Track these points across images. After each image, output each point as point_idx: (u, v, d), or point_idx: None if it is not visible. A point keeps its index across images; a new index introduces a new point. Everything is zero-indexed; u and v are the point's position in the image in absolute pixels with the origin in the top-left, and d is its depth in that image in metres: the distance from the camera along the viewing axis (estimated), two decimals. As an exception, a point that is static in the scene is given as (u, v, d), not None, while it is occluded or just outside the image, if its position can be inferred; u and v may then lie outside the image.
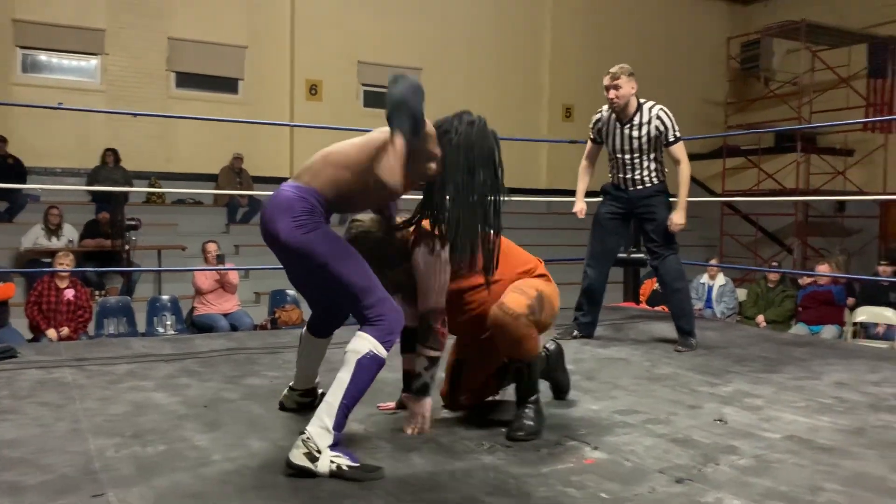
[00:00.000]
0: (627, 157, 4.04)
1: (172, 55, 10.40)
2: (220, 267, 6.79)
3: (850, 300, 7.09)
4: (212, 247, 6.90)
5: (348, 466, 2.01)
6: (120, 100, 9.53)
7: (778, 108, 12.29)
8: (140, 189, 9.65)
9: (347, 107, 11.35)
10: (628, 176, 4.07)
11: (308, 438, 2.03)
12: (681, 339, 4.03)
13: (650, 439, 2.40)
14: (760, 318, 7.27)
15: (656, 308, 7.67)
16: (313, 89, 11.30)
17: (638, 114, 3.99)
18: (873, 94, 11.26)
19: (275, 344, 4.08)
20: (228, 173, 10.28)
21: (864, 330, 6.72)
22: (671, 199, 4.14)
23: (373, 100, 11.95)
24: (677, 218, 4.02)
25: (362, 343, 2.11)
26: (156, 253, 8.53)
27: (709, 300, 7.85)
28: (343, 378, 2.08)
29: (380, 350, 2.10)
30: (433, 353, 2.41)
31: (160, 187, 9.58)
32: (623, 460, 2.20)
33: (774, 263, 9.36)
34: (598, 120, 4.15)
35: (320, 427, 2.04)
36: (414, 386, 2.45)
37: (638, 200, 4.07)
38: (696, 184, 13.53)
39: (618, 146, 4.05)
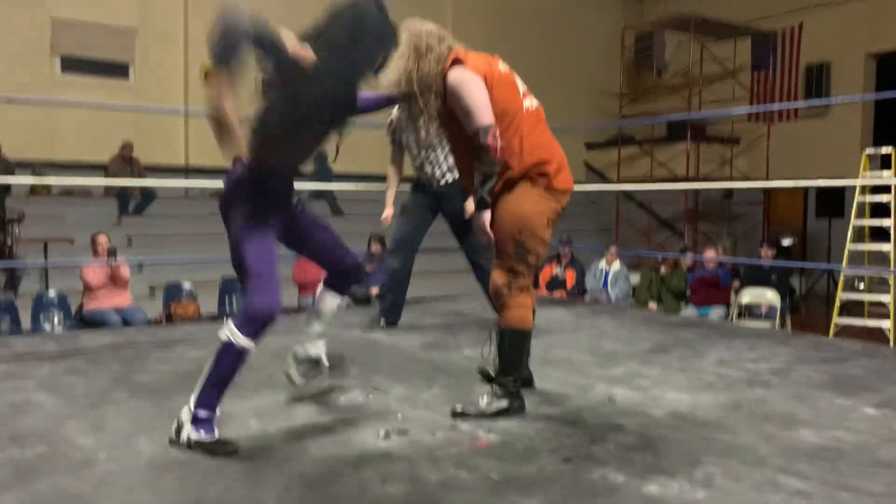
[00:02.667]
0: (429, 151, 4.12)
1: (56, 37, 9.81)
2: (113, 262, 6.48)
3: (736, 283, 7.50)
4: (102, 239, 6.56)
5: (198, 441, 2.16)
6: (-1, 84, 8.93)
7: (670, 98, 12.82)
8: (21, 179, 9.07)
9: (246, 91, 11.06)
10: (435, 171, 4.14)
11: (179, 415, 2.22)
12: None
13: (542, 421, 2.47)
14: (652, 305, 7.59)
15: (554, 293, 7.91)
16: (208, 75, 10.95)
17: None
18: (757, 85, 11.92)
19: (167, 338, 3.95)
20: (119, 162, 9.80)
21: (749, 311, 7.12)
22: None
23: (272, 84, 11.66)
24: (472, 206, 4.20)
25: (222, 331, 2.22)
26: (41, 246, 8.05)
27: (605, 284, 8.13)
28: (209, 361, 2.24)
29: (237, 339, 2.18)
30: (486, 169, 2.47)
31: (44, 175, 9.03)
32: (515, 442, 2.26)
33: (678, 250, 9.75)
34: (392, 122, 4.21)
35: (186, 405, 2.22)
36: (473, 201, 2.56)
37: (443, 196, 4.15)
38: (593, 172, 14.00)
39: (416, 142, 4.12)
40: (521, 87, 2.62)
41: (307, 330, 2.74)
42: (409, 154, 4.23)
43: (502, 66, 2.61)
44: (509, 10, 12.66)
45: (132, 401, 2.72)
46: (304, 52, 2.16)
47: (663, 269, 7.83)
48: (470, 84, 2.47)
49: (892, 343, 6.73)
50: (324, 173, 11.29)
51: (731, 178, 12.32)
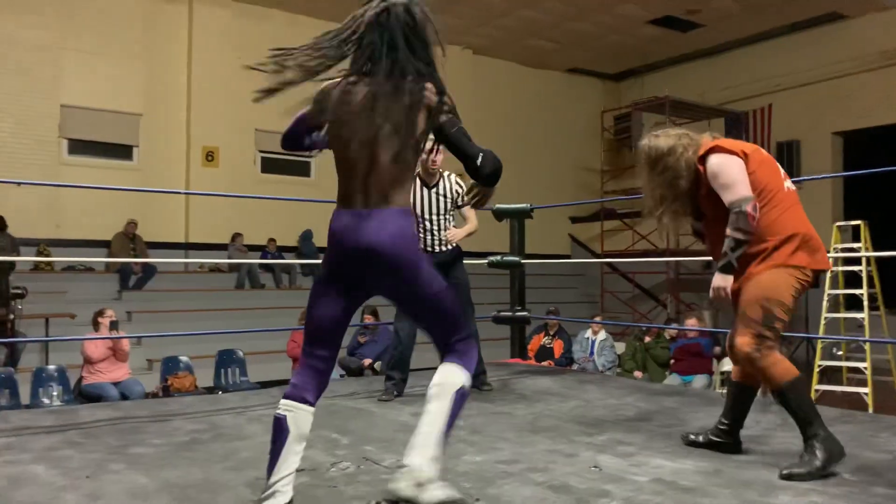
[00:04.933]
0: (435, 218, 4.41)
1: (65, 122, 10.22)
2: (109, 336, 6.55)
3: (718, 350, 7.63)
4: (109, 312, 6.71)
5: (451, 498, 2.05)
6: (8, 166, 9.18)
7: (649, 174, 13.25)
8: (27, 258, 9.22)
9: (245, 173, 11.40)
10: (434, 238, 4.42)
11: (413, 469, 2.05)
12: (486, 381, 4.60)
13: (529, 487, 2.56)
14: (638, 374, 7.69)
15: (543, 363, 8.00)
16: (210, 156, 11.28)
17: (442, 180, 4.44)
18: (731, 161, 12.34)
19: (163, 412, 4.00)
20: (122, 239, 10.01)
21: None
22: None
23: (270, 166, 12.04)
24: (454, 232, 4.47)
25: (458, 376, 2.17)
26: (43, 321, 8.16)
27: (591, 353, 8.24)
28: (443, 408, 2.12)
29: (468, 384, 2.20)
30: (739, 235, 2.67)
31: (49, 254, 9.20)
32: (505, 508, 2.35)
33: (644, 314, 9.90)
34: None
35: (428, 458, 2.07)
36: (719, 264, 2.74)
37: (442, 263, 4.32)
38: (578, 244, 14.31)
39: (426, 209, 4.41)
40: (782, 171, 2.89)
41: None
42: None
43: (762, 151, 2.91)
44: (498, 96, 13.16)
45: (128, 472, 2.78)
46: None
47: (647, 339, 7.96)
48: (729, 163, 2.74)
49: (870, 408, 6.85)
50: (310, 249, 11.51)
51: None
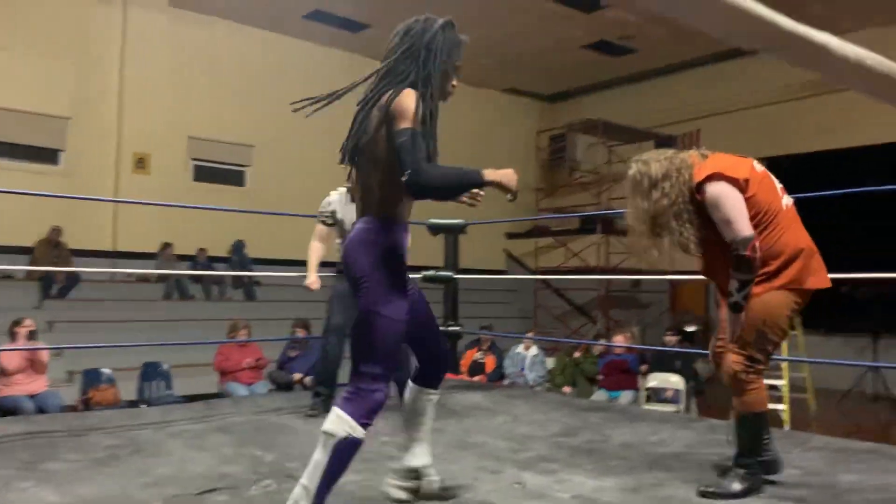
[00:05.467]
0: None
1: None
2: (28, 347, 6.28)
3: (644, 367, 7.82)
4: (28, 322, 6.43)
5: None
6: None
7: (581, 194, 13.58)
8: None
9: (176, 180, 11.14)
10: None
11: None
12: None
13: (454, 504, 2.57)
14: (566, 389, 7.82)
15: (475, 378, 8.04)
16: (140, 162, 11.00)
17: None
18: (661, 183, 12.75)
19: (81, 426, 3.86)
20: (45, 246, 9.62)
21: (656, 394, 7.42)
22: None
23: (204, 174, 11.80)
24: None
25: (340, 425, 2.10)
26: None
27: (523, 369, 8.34)
28: (319, 461, 2.09)
29: (357, 432, 2.10)
30: (743, 277, 2.64)
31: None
32: (428, 525, 2.35)
33: (574, 330, 10.08)
34: (330, 203, 4.46)
35: None
36: (728, 302, 2.71)
37: None
38: (513, 260, 14.50)
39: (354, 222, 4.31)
40: (778, 185, 2.82)
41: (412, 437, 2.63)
42: (341, 234, 4.38)
43: (758, 166, 2.80)
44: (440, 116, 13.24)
45: (36, 490, 2.68)
46: None
47: (577, 354, 8.10)
48: (728, 196, 2.67)
49: (786, 425, 7.12)
50: (242, 260, 11.32)
51: (639, 269, 12.94)
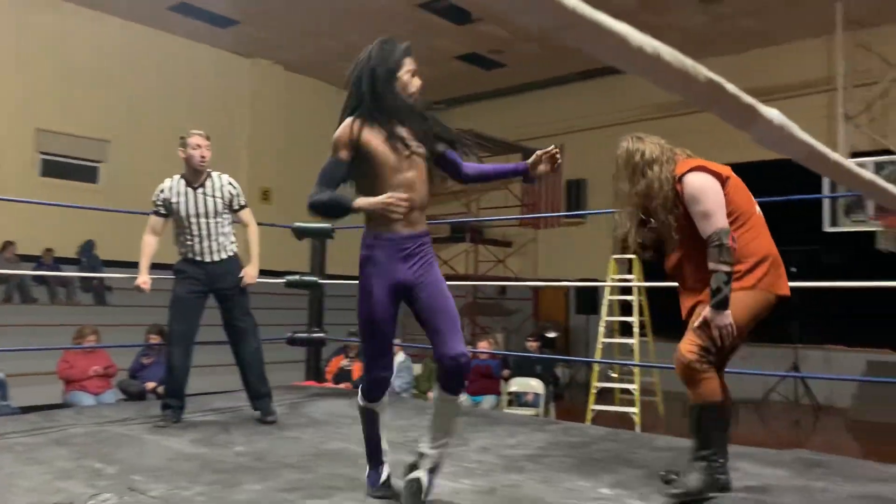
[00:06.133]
0: (203, 221, 4.11)
1: None
2: None
3: (506, 372, 8.01)
4: None
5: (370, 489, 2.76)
6: None
7: (453, 203, 13.77)
8: None
9: (22, 175, 10.30)
10: (204, 244, 4.11)
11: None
12: (267, 406, 4.24)
13: (308, 513, 2.51)
14: (431, 393, 7.87)
15: (341, 385, 7.94)
16: (-19, 156, 10.10)
17: (209, 179, 4.18)
18: (527, 195, 13.17)
19: None
20: None
21: (517, 398, 7.62)
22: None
23: (53, 169, 10.99)
24: (252, 271, 4.25)
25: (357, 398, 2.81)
26: None
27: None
28: None
29: (365, 404, 2.79)
30: (726, 268, 2.60)
31: None
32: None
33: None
34: (163, 190, 4.18)
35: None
36: (713, 301, 2.62)
37: (218, 275, 4.13)
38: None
39: (191, 211, 4.09)
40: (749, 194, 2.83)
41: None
42: (178, 225, 4.14)
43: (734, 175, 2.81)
44: (310, 115, 12.96)
45: None
46: None
47: (442, 362, 8.17)
48: (708, 188, 2.66)
49: (637, 427, 7.51)
50: (92, 262, 10.63)
51: (504, 277, 13.29)
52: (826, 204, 8.96)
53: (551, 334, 11.32)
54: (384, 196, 2.46)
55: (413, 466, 2.69)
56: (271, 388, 4.35)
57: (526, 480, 3.05)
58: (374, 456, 2.82)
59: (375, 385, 2.72)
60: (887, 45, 9.80)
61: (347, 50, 12.78)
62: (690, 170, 2.72)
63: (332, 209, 2.57)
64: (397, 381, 8.15)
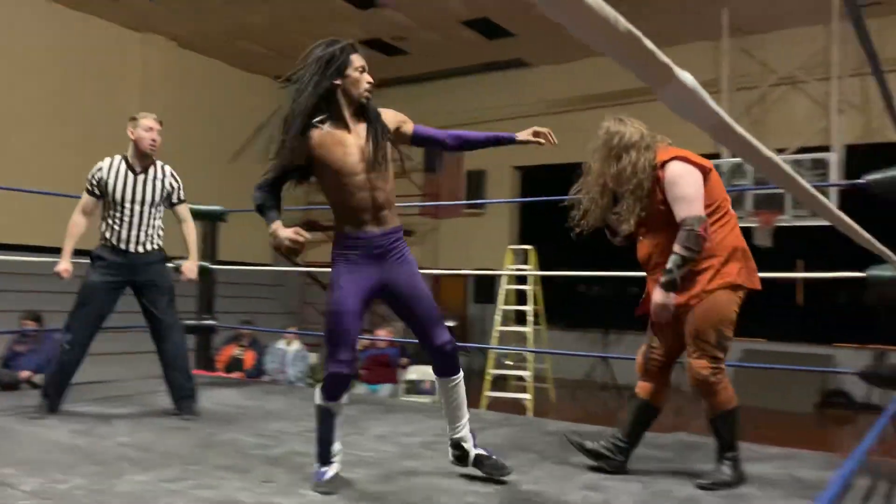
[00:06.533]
0: (138, 208, 3.92)
1: None
2: None
3: (404, 360, 8.03)
4: None
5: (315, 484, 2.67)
6: None
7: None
8: None
9: None
10: (133, 233, 3.92)
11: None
12: (191, 406, 4.04)
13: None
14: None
15: (233, 374, 7.73)
16: None
17: (153, 167, 4.02)
18: (427, 185, 13.21)
19: None
20: None
21: (414, 386, 7.65)
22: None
23: None
24: (192, 265, 4.13)
25: (316, 396, 2.77)
26: None
27: (284, 365, 8.16)
28: None
29: (319, 399, 2.73)
30: (686, 254, 2.62)
31: None
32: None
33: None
34: (101, 169, 3.95)
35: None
36: (662, 280, 2.65)
37: (141, 266, 3.94)
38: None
39: (128, 196, 3.90)
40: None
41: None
42: (108, 209, 3.90)
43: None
44: (203, 94, 12.47)
45: None
46: None
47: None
48: (690, 176, 2.67)
49: (530, 413, 7.70)
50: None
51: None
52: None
53: (450, 323, 11.43)
54: (289, 232, 2.65)
55: (461, 455, 2.88)
56: (196, 385, 4.14)
57: (421, 467, 3.06)
58: (325, 455, 2.74)
59: (335, 383, 2.68)
60: (768, 51, 10.40)
61: (242, 29, 12.40)
62: (674, 158, 2.75)
63: (260, 211, 2.79)
64: (292, 371, 8.02)
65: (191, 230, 4.20)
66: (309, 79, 2.60)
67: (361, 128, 2.67)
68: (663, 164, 2.74)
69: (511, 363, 9.07)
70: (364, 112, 2.69)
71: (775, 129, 9.97)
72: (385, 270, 2.67)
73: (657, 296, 2.68)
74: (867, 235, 2.02)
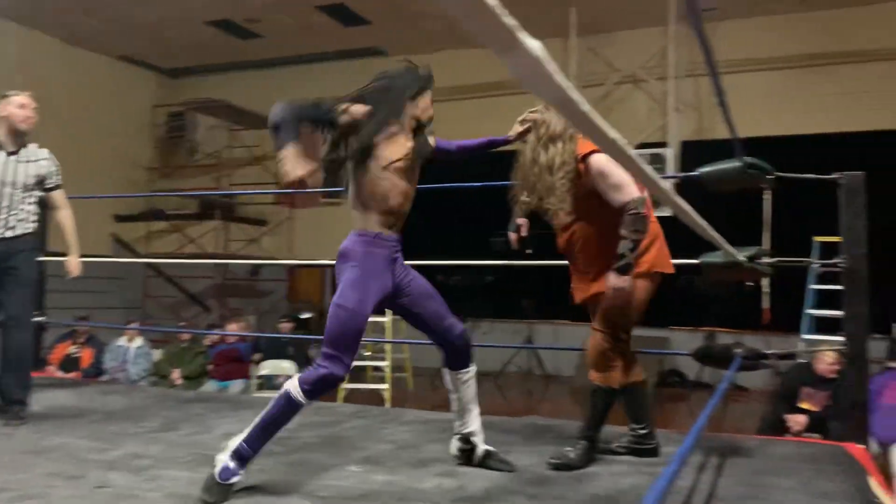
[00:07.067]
0: (8, 190, 3.64)
1: None
2: None
3: (257, 355, 7.76)
4: None
5: (218, 481, 2.43)
6: None
7: (202, 178, 13.00)
8: None
9: None
10: (2, 216, 3.63)
11: (227, 446, 2.50)
12: (19, 412, 3.66)
13: (15, 519, 2.19)
14: (175, 375, 7.38)
15: (69, 374, 7.16)
16: None
17: (26, 149, 3.74)
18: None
19: None
20: None
21: (268, 382, 7.42)
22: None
23: None
24: (74, 260, 3.88)
25: (289, 383, 2.51)
26: None
27: (125, 362, 7.65)
28: (266, 408, 2.51)
29: (298, 395, 2.46)
30: (636, 236, 2.65)
31: None
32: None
33: (182, 324, 9.66)
34: None
35: (236, 441, 2.50)
36: (617, 264, 2.68)
37: (5, 251, 3.63)
38: (121, 245, 13.27)
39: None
40: None
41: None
42: None
43: None
44: (43, 74, 11.37)
45: None
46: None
47: (185, 344, 7.70)
48: (615, 163, 2.66)
49: (387, 403, 7.69)
50: None
51: (258, 257, 12.89)
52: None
53: (305, 315, 11.22)
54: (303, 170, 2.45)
55: (468, 450, 2.86)
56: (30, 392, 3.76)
57: (274, 464, 2.95)
58: (249, 455, 2.52)
59: (328, 385, 2.50)
60: (612, 50, 10.95)
61: (80, 3, 11.45)
62: (593, 151, 2.78)
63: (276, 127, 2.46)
64: (133, 369, 7.56)
65: (67, 219, 3.87)
66: (409, 82, 2.73)
67: (411, 139, 2.72)
68: (585, 156, 2.80)
69: (369, 353, 9.01)
70: (418, 128, 2.79)
71: (619, 126, 10.15)
72: (397, 275, 2.68)
73: (613, 280, 2.72)
74: (702, 222, 2.13)
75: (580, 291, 2.99)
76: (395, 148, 2.63)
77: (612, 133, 0.95)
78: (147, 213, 12.85)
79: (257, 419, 2.50)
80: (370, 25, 11.37)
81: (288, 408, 2.50)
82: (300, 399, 2.47)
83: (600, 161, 2.75)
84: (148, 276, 12.57)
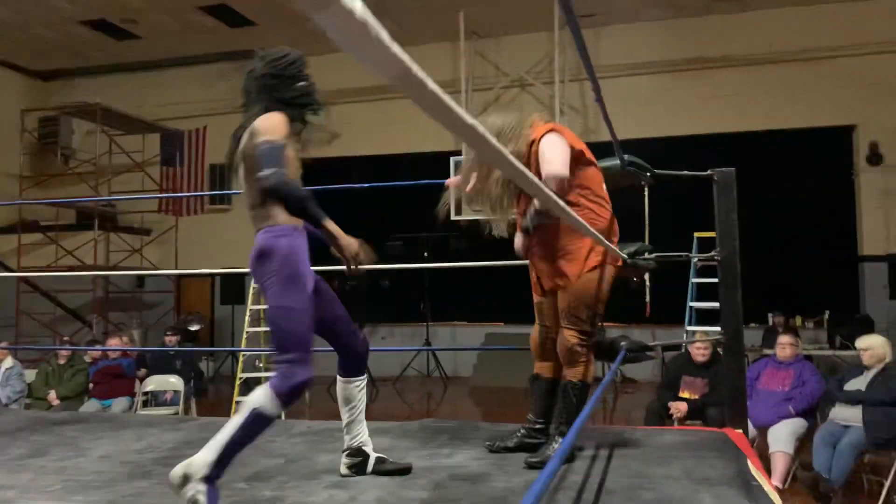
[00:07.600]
0: None
1: None
2: None
3: (142, 371, 7.38)
4: None
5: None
6: None
7: (79, 186, 12.25)
8: None
9: None
10: None
11: (191, 463, 2.23)
12: None
13: None
14: (52, 396, 6.90)
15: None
16: None
17: None
18: (165, 180, 12.29)
19: None
20: None
21: (154, 398, 7.06)
22: None
23: None
24: None
25: (259, 397, 2.31)
26: None
27: (-5, 386, 7.09)
28: (233, 423, 2.28)
29: (271, 406, 2.30)
30: (538, 207, 2.78)
31: None
32: None
33: (66, 339, 9.08)
34: None
35: (204, 459, 2.24)
36: (524, 224, 2.89)
37: None
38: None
39: None
40: None
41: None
42: None
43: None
44: None
45: None
46: None
47: (62, 362, 7.22)
48: (557, 142, 2.79)
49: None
50: None
51: (142, 268, 12.30)
52: (452, 194, 9.86)
53: (194, 327, 10.80)
54: (356, 242, 2.57)
55: (361, 462, 2.78)
56: None
57: (152, 486, 2.78)
58: (218, 474, 2.31)
59: (302, 390, 2.39)
60: (500, 54, 11.13)
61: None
62: (548, 131, 2.85)
63: (303, 208, 2.42)
64: (4, 391, 7.02)
65: None
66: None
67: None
68: (536, 140, 2.86)
69: (262, 365, 8.74)
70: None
71: (508, 129, 10.69)
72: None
73: (518, 241, 2.99)
74: (583, 222, 2.16)
75: (547, 279, 3.01)
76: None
77: (470, 119, 0.89)
78: (18, 224, 12.00)
79: (221, 442, 2.27)
80: (255, 27, 11.07)
81: (258, 425, 2.33)
82: (274, 412, 2.33)
83: (546, 139, 2.83)
84: (22, 291, 11.72)
